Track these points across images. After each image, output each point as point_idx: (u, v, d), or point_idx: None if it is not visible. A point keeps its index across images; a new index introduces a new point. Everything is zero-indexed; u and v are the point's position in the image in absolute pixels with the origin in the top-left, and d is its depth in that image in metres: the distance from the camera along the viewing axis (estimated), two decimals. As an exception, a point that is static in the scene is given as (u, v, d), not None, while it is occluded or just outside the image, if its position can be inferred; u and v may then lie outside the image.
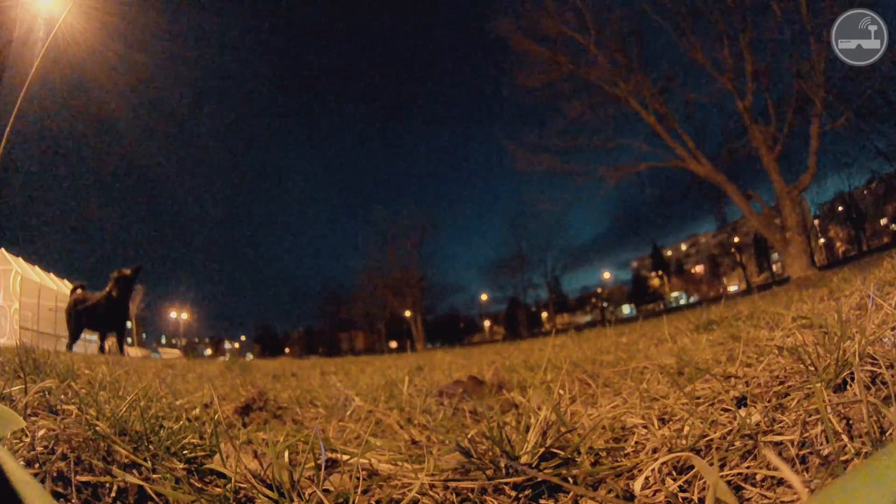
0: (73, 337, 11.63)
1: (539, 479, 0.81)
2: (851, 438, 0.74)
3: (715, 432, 0.88)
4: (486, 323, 65.40)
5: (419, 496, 0.83)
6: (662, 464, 0.81)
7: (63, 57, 19.84)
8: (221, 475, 0.90)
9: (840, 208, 42.02)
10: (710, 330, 2.64)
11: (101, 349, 11.11)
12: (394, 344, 50.96)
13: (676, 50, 19.82)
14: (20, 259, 14.07)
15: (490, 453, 0.87)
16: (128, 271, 11.18)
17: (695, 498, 0.73)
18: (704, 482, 0.74)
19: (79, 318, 11.67)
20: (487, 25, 22.83)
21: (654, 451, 0.89)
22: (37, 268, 15.10)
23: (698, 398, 1.09)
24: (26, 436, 0.87)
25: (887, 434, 0.71)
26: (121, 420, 1.06)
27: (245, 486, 0.83)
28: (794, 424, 0.84)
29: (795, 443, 0.79)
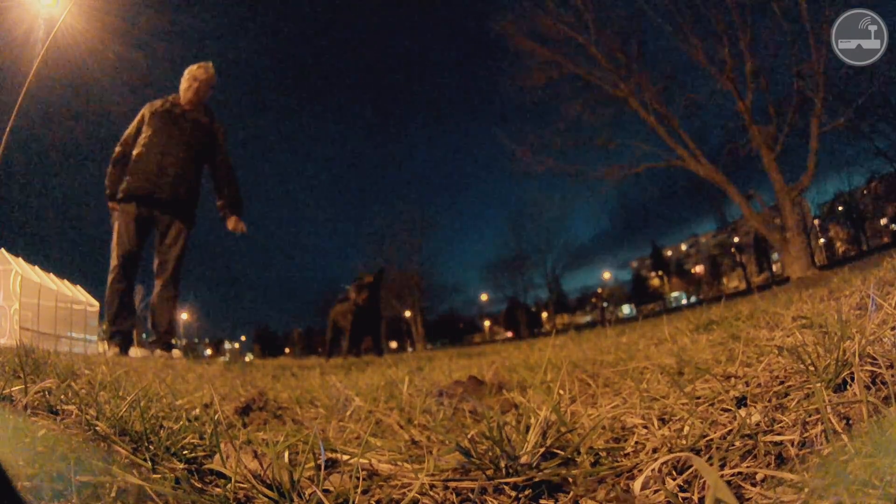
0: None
1: (539, 479, 0.81)
2: (851, 438, 0.74)
3: (715, 432, 0.88)
4: (486, 323, 65.43)
5: (419, 496, 0.83)
6: (662, 464, 0.81)
7: (63, 57, 19.84)
8: (221, 475, 0.90)
9: (840, 208, 42.03)
10: (710, 330, 2.64)
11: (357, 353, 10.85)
12: (394, 344, 50.91)
13: (676, 50, 19.86)
14: (20, 259, 14.04)
15: (490, 453, 0.87)
16: (370, 277, 10.69)
17: (695, 498, 0.73)
18: (704, 482, 0.74)
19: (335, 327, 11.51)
20: (487, 25, 22.84)
21: (654, 450, 0.89)
22: (37, 268, 15.09)
23: (698, 398, 1.09)
24: (26, 436, 0.88)
25: (887, 434, 0.71)
26: (121, 420, 1.07)
27: (245, 486, 0.83)
28: (794, 424, 0.84)
29: (795, 443, 0.79)
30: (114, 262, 5.62)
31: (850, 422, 0.80)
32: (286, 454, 0.91)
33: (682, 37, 19.13)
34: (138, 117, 6.03)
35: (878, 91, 16.80)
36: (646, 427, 1.01)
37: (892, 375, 0.88)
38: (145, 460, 0.91)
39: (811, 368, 1.00)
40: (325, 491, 0.82)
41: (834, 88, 16.70)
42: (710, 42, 18.71)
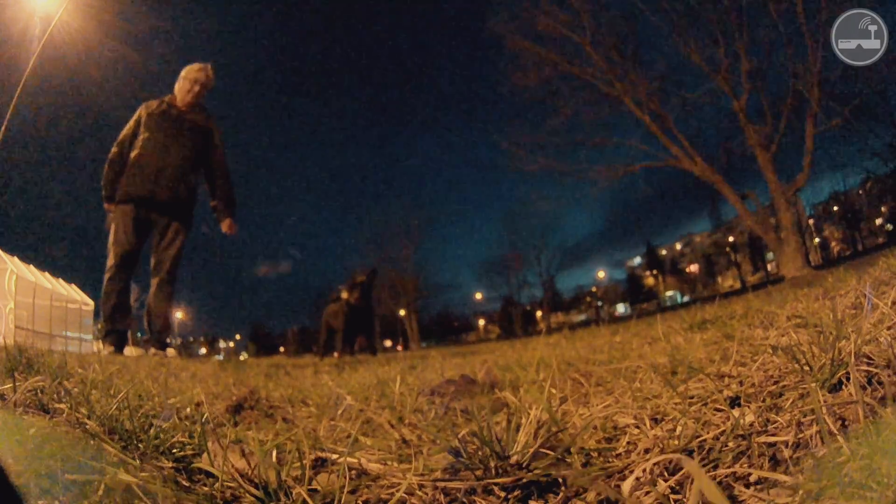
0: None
1: (528, 480, 0.80)
2: (847, 439, 0.73)
3: (708, 432, 0.87)
4: (481, 322, 65.46)
5: (407, 496, 0.82)
6: (654, 465, 0.80)
7: (60, 56, 19.76)
8: (209, 474, 0.89)
9: (835, 208, 42.21)
10: (704, 329, 2.64)
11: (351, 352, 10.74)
12: (388, 343, 50.89)
13: (672, 50, 19.86)
14: (15, 258, 13.98)
15: (480, 453, 0.86)
16: (362, 277, 10.59)
17: (686, 500, 0.72)
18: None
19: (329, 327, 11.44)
20: (483, 25, 22.80)
21: (646, 451, 0.89)
22: (32, 267, 15.02)
23: (691, 398, 1.08)
24: (16, 433, 0.87)
25: (883, 435, 0.71)
26: (110, 419, 1.06)
27: (232, 484, 0.82)
28: (789, 425, 0.83)
29: (790, 444, 0.78)
30: (111, 261, 5.62)
31: (846, 423, 0.79)
32: (274, 453, 0.90)
33: (678, 36, 19.15)
34: (134, 118, 6.01)
35: (875, 91, 16.87)
36: (638, 427, 1.01)
37: (889, 375, 0.87)
38: (134, 458, 0.90)
39: (806, 368, 0.99)
40: (313, 490, 0.81)
41: (830, 88, 16.75)
42: (706, 42, 18.74)
